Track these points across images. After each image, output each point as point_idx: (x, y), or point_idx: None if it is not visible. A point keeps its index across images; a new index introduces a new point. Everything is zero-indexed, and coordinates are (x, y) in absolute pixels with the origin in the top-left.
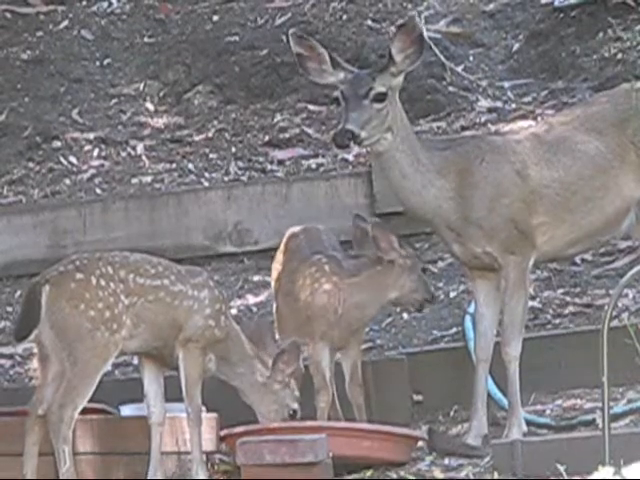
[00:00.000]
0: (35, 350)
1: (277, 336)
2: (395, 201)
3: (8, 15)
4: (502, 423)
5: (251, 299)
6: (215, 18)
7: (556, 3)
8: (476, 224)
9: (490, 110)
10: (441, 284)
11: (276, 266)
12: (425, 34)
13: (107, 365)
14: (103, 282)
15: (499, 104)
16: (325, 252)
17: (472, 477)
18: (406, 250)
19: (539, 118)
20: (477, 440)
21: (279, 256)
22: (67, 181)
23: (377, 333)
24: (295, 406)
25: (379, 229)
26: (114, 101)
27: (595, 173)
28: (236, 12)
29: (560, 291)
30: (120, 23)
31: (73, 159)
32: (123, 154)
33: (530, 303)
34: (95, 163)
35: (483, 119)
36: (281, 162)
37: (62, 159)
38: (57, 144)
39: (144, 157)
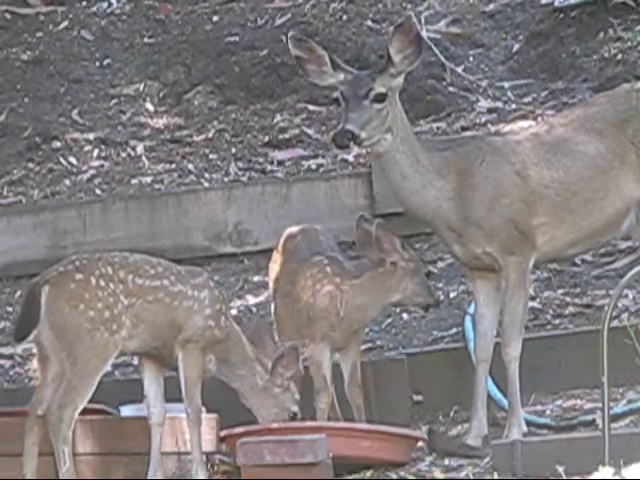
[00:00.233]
0: (35, 350)
1: (276, 337)
2: (395, 202)
3: (8, 16)
4: (502, 423)
5: (251, 300)
6: (215, 18)
7: (556, 3)
8: (476, 224)
9: (490, 110)
10: (441, 284)
11: (274, 266)
12: (423, 34)
13: (107, 365)
14: (102, 282)
15: (499, 104)
16: (325, 253)
17: (472, 477)
18: (409, 253)
19: (539, 119)
20: (477, 440)
21: (276, 256)
22: (67, 182)
23: (377, 334)
24: (295, 409)
25: (382, 230)
26: (114, 101)
27: (595, 174)
28: (236, 12)
29: (560, 291)
30: (120, 23)
31: (73, 159)
32: (123, 154)
33: (530, 303)
34: (95, 164)
35: (483, 119)
36: (281, 163)
37: (62, 159)
38: (57, 144)
39: (144, 157)
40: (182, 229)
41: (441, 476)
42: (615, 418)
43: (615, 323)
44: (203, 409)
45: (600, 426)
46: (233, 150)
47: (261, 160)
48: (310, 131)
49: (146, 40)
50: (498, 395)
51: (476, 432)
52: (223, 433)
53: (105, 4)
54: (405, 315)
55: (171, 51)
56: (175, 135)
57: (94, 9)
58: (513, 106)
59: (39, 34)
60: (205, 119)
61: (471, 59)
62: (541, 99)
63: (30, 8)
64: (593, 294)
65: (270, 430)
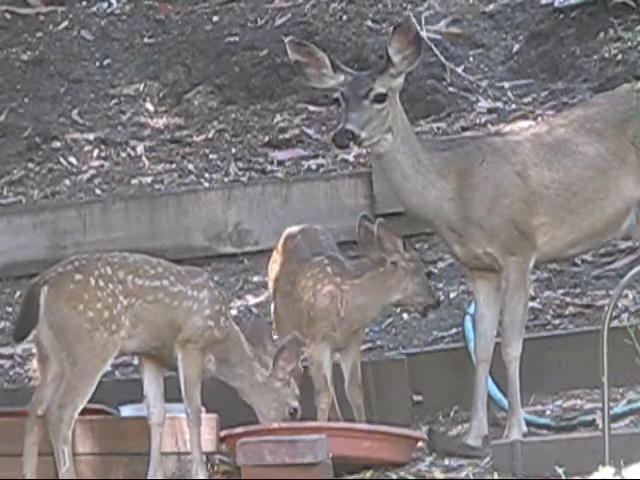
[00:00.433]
0: (34, 350)
1: (275, 336)
2: (395, 202)
3: (8, 16)
4: (502, 423)
5: (251, 300)
6: (215, 18)
7: (556, 4)
8: (477, 225)
9: (490, 111)
10: (441, 285)
11: (274, 266)
12: (423, 34)
13: (106, 365)
14: (102, 283)
15: (499, 105)
16: (325, 253)
17: (472, 478)
18: (410, 253)
19: (539, 119)
20: (477, 441)
21: (276, 256)
22: (67, 182)
23: (377, 334)
24: (295, 404)
25: (384, 229)
26: (114, 101)
27: (595, 174)
28: (236, 12)
29: (560, 292)
30: (120, 23)
31: (73, 160)
32: (123, 155)
33: (530, 304)
34: (95, 164)
35: (483, 120)
36: (281, 163)
37: (62, 160)
38: (57, 144)
39: (144, 158)
40: (182, 229)
41: (441, 476)
42: (615, 418)
43: (615, 323)
44: (203, 409)
45: (600, 426)
46: (233, 150)
47: (261, 160)
48: (310, 131)
49: (146, 40)
50: (498, 395)
51: (476, 432)
52: (223, 433)
53: (105, 4)
54: (405, 315)
55: (171, 51)
56: (175, 135)
57: (94, 9)
58: (513, 106)
59: (39, 34)
60: (205, 119)
61: (471, 59)
62: (541, 99)
63: (30, 8)
64: (593, 294)
65: (270, 430)
